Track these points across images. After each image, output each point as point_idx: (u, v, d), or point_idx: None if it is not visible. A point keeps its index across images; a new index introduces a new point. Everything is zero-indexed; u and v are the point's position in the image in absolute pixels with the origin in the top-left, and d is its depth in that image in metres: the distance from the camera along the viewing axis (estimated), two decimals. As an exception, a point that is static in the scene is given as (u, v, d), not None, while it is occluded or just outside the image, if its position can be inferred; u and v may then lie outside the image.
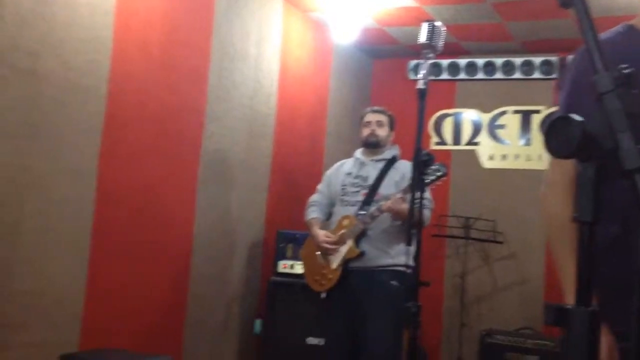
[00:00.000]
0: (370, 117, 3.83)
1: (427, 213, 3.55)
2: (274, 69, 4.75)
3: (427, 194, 3.53)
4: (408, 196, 3.25)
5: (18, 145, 2.97)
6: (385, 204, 3.43)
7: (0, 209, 2.90)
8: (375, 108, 3.91)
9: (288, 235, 4.48)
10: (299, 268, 4.32)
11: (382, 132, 3.80)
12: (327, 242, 3.63)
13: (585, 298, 0.87)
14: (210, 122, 4.14)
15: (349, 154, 3.96)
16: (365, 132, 3.81)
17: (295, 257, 4.39)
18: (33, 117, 3.03)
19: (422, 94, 2.50)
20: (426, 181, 3.10)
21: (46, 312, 3.13)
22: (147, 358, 3.19)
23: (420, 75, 2.51)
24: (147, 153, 3.68)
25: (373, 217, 3.52)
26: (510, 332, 4.92)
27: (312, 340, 4.26)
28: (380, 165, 3.75)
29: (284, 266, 4.43)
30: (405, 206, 3.27)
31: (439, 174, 3.26)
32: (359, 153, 3.88)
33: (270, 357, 4.28)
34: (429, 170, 3.12)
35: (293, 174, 4.98)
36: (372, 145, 3.79)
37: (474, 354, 5.16)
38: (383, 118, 3.82)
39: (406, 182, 3.58)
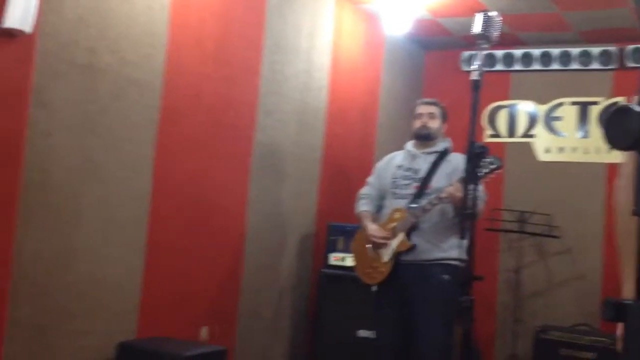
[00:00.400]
0: (422, 109, 3.78)
1: (480, 205, 3.50)
2: (326, 61, 4.75)
3: (481, 186, 3.48)
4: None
5: (78, 138, 3.06)
6: (447, 190, 3.36)
7: (61, 200, 3.00)
8: (427, 100, 3.86)
9: (339, 228, 4.48)
10: (350, 260, 4.32)
11: (434, 124, 3.74)
12: (378, 235, 3.62)
13: (645, 293, 0.85)
14: (262, 115, 4.18)
15: (400, 147, 3.93)
16: (417, 124, 3.77)
17: (346, 250, 4.40)
18: (91, 111, 3.12)
19: (476, 85, 2.46)
20: (480, 174, 3.05)
21: (104, 300, 3.22)
22: (201, 347, 3.25)
23: (474, 67, 2.48)
24: (201, 145, 3.74)
25: (425, 210, 3.48)
26: (565, 328, 4.81)
27: (363, 333, 4.26)
28: (432, 157, 3.70)
29: (335, 258, 4.44)
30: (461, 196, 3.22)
31: (492, 166, 3.19)
32: (410, 145, 3.83)
33: (322, 349, 4.30)
34: (482, 163, 3.06)
35: (344, 166, 4.98)
36: (424, 138, 3.75)
37: (528, 350, 5.07)
38: (435, 110, 3.77)
39: (458, 175, 3.53)
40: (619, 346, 1.55)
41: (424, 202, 3.51)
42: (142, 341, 3.30)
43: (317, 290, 4.46)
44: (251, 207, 4.12)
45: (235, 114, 3.97)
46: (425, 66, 6.09)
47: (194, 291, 3.74)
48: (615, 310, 0.84)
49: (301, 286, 4.60)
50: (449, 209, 3.51)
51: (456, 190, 3.32)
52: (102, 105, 3.17)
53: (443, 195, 3.38)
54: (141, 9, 3.33)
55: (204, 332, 3.05)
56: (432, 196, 3.48)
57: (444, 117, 3.81)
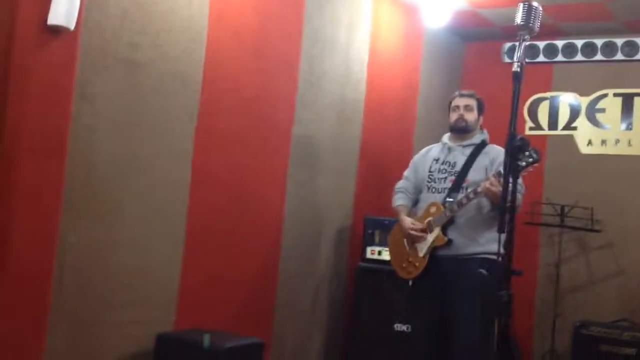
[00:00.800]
0: (459, 102, 3.74)
1: (519, 198, 3.45)
2: (364, 54, 4.74)
3: (519, 179, 3.43)
4: (501, 180, 3.17)
5: (120, 131, 3.12)
6: (483, 185, 3.32)
7: (103, 192, 3.07)
8: (464, 92, 3.81)
9: (376, 221, 4.47)
10: (386, 254, 4.31)
11: (471, 117, 3.70)
12: (414, 230, 3.59)
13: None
14: (300, 108, 4.19)
15: (438, 140, 3.89)
16: (454, 116, 3.73)
17: (382, 243, 4.39)
18: (134, 105, 3.18)
19: (517, 77, 2.42)
20: (518, 167, 3.00)
21: (144, 291, 3.28)
22: (239, 339, 3.28)
23: (515, 58, 2.44)
24: (240, 138, 3.78)
25: (461, 205, 3.44)
26: (605, 323, 4.73)
27: (399, 327, 4.26)
28: (469, 150, 3.66)
29: (371, 252, 4.44)
30: (500, 189, 3.18)
31: (530, 160, 3.12)
32: (446, 138, 3.80)
33: (358, 343, 4.30)
34: (521, 156, 3.02)
35: (381, 159, 4.96)
36: (461, 130, 3.70)
37: (567, 346, 4.99)
38: (472, 102, 3.72)
39: (495, 168, 3.49)
40: None
41: (460, 196, 3.48)
42: (181, 332, 3.34)
43: (354, 283, 4.46)
44: (289, 200, 4.14)
45: (273, 107, 3.99)
46: (465, 58, 6.02)
47: (232, 282, 3.78)
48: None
49: (338, 279, 4.61)
50: (486, 203, 3.48)
51: (492, 184, 3.28)
52: (144, 99, 3.22)
53: (479, 189, 3.34)
54: (182, 3, 3.36)
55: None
56: (469, 190, 3.44)
57: (481, 109, 3.76)
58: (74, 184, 2.92)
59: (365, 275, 4.38)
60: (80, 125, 2.94)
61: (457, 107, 3.73)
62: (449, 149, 3.73)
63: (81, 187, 2.96)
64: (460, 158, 3.66)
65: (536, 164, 3.06)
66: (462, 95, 3.77)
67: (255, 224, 3.92)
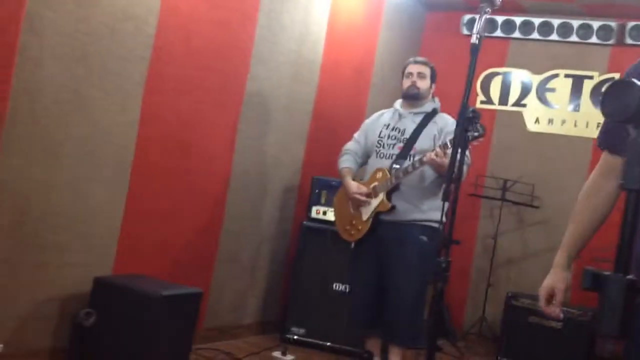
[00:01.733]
0: (412, 68, 3.76)
1: (465, 169, 3.51)
2: (324, 14, 4.69)
3: (466, 151, 3.48)
4: (448, 151, 3.22)
5: (68, 68, 3.02)
6: (428, 156, 3.37)
7: (47, 130, 2.98)
8: (418, 59, 3.83)
9: (323, 182, 4.50)
10: (331, 215, 4.35)
11: (423, 85, 3.73)
12: (359, 194, 3.64)
13: (625, 266, 0.86)
14: (255, 63, 4.13)
15: (392, 106, 3.92)
16: (406, 83, 3.75)
17: (328, 204, 4.42)
18: (84, 41, 3.07)
19: (474, 49, 2.43)
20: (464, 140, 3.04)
21: (83, 235, 3.23)
22: (178, 288, 3.28)
23: (474, 30, 2.45)
24: (192, 87, 3.71)
25: (406, 172, 3.50)
26: (535, 296, 4.87)
27: (338, 286, 4.33)
28: (419, 118, 3.70)
29: (317, 212, 4.47)
30: (446, 160, 3.22)
31: (476, 134, 3.14)
32: (398, 104, 3.82)
33: (296, 299, 4.36)
34: (469, 129, 3.06)
35: (333, 122, 4.96)
36: (412, 98, 3.74)
37: (498, 315, 5.18)
38: (425, 70, 3.75)
39: (444, 137, 3.54)
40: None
41: (406, 163, 3.53)
42: (120, 277, 3.32)
43: (297, 241, 4.50)
44: (237, 154, 4.12)
45: (228, 61, 3.92)
46: (425, 27, 6.03)
47: (174, 232, 3.76)
48: (593, 280, 0.86)
49: (281, 236, 4.64)
50: (430, 172, 3.54)
51: (437, 155, 3.34)
52: (95, 37, 3.12)
53: (425, 159, 3.39)
54: (141, -58, 3.24)
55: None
56: (415, 159, 3.49)
57: (434, 78, 3.79)
58: (16, 120, 2.83)
59: (309, 234, 4.41)
60: (27, 59, 2.83)
61: (411, 74, 3.75)
62: (400, 116, 3.76)
63: (23, 125, 2.87)
64: (410, 125, 3.69)
65: (481, 139, 3.11)
66: (415, 62, 3.78)
67: (201, 175, 3.89)
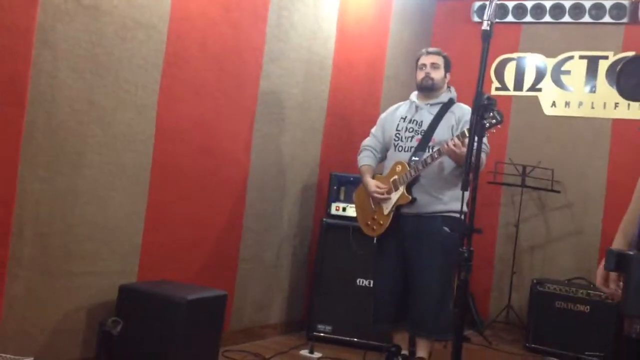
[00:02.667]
0: (425, 60, 3.73)
1: (483, 157, 3.49)
2: (333, 10, 4.68)
3: (484, 139, 3.45)
4: (465, 140, 3.20)
5: (82, 79, 3.04)
6: (446, 146, 3.35)
7: (65, 141, 3.00)
8: (430, 49, 3.79)
9: (341, 178, 4.49)
10: (351, 210, 4.35)
11: (438, 75, 3.69)
12: (378, 193, 3.63)
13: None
14: (267, 62, 4.14)
15: (406, 98, 3.90)
16: (420, 75, 3.72)
17: (347, 200, 4.42)
18: (96, 52, 3.09)
19: (486, 36, 2.42)
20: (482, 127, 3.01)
21: (106, 243, 3.26)
22: (202, 291, 3.29)
23: (485, 17, 2.43)
24: (206, 90, 3.72)
25: (426, 164, 3.47)
26: (561, 281, 4.87)
27: (362, 282, 4.32)
28: (436, 109, 3.67)
29: (336, 208, 4.46)
30: (464, 150, 3.18)
31: (494, 121, 3.10)
32: (414, 96, 3.80)
33: (320, 297, 4.36)
34: (485, 116, 3.03)
35: (349, 117, 4.95)
36: (427, 89, 3.71)
37: (524, 302, 5.15)
38: (438, 60, 3.72)
39: (461, 127, 3.51)
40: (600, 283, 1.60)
41: (425, 155, 3.51)
42: (144, 284, 3.34)
43: (318, 238, 4.50)
44: (254, 155, 4.13)
45: (240, 61, 3.93)
46: (436, 16, 5.99)
47: (195, 236, 3.78)
48: (617, 260, 0.85)
49: (302, 234, 4.64)
50: (449, 162, 3.52)
51: (455, 145, 3.31)
52: (108, 47, 3.14)
53: (443, 149, 3.37)
54: (147, -51, 3.26)
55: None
56: (434, 150, 3.47)
57: (448, 67, 3.76)
58: (34, 133, 2.86)
59: (330, 231, 4.41)
60: (42, 73, 2.86)
61: (424, 65, 3.72)
62: (417, 107, 3.74)
63: (41, 137, 2.90)
64: (427, 117, 3.67)
65: (499, 126, 3.08)
66: (428, 53, 3.75)
67: (220, 176, 3.90)
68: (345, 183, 4.47)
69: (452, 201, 3.53)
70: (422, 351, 3.59)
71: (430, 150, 3.54)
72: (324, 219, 4.44)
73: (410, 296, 3.59)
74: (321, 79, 4.65)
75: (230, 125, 3.94)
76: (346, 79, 4.88)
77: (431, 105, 3.70)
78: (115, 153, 3.25)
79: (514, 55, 5.67)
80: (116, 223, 3.30)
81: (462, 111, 3.62)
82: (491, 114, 3.01)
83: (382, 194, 3.61)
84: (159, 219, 3.52)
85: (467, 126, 3.28)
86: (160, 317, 3.08)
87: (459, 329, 2.41)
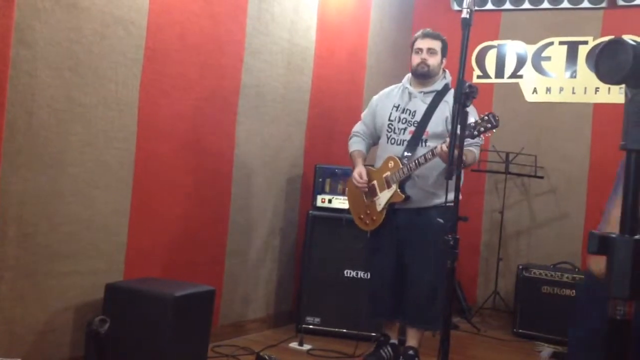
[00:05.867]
0: (422, 44, 3.58)
1: (476, 152, 3.47)
2: (314, 1, 4.66)
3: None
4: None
5: (62, 77, 3.01)
6: (439, 148, 3.24)
7: (47, 140, 2.97)
8: (428, 32, 3.62)
9: (326, 170, 4.49)
10: (337, 202, 4.36)
11: (434, 61, 3.56)
12: (358, 182, 3.59)
13: (630, 227, 0.86)
14: (249, 55, 4.12)
15: (389, 87, 3.89)
16: (416, 60, 3.58)
17: (333, 192, 4.42)
18: (75, 49, 3.06)
19: (466, 23, 2.42)
20: (475, 132, 3.00)
21: (92, 241, 3.24)
22: (189, 287, 3.28)
23: (464, 5, 2.44)
24: (187, 84, 3.70)
25: (418, 165, 3.39)
26: (547, 266, 4.92)
27: (349, 273, 4.33)
28: (429, 98, 3.56)
29: (322, 200, 4.46)
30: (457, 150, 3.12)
31: (489, 125, 3.00)
32: (407, 81, 3.68)
33: (309, 289, 4.36)
34: (480, 121, 3.01)
35: (332, 108, 4.95)
36: (422, 76, 3.59)
37: (511, 288, 5.19)
38: (436, 45, 3.57)
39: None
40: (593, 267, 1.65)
41: (418, 154, 3.43)
42: (131, 282, 3.32)
43: (304, 231, 4.50)
44: (238, 148, 4.11)
45: (221, 54, 3.91)
46: (415, 4, 6.00)
47: (181, 232, 3.77)
48: (600, 243, 0.86)
49: (288, 227, 4.64)
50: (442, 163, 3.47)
51: (449, 147, 3.26)
52: (87, 44, 3.11)
53: (436, 151, 3.28)
54: (123, -56, 3.23)
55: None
56: (427, 152, 3.37)
57: (445, 52, 3.61)
58: (15, 133, 2.82)
59: (316, 223, 4.41)
60: (20, 72, 2.82)
61: (420, 49, 3.58)
62: (410, 95, 3.63)
63: (22, 137, 2.87)
64: (420, 106, 3.57)
65: (494, 130, 3.05)
66: (425, 37, 3.59)
67: (204, 172, 3.89)
68: (330, 175, 4.47)
69: (445, 193, 3.50)
70: (412, 340, 3.61)
71: (423, 143, 3.48)
72: (310, 212, 4.44)
73: (405, 287, 3.58)
74: (303, 70, 4.64)
75: (213, 119, 3.92)
76: (328, 70, 4.87)
77: (425, 93, 3.59)
78: (98, 151, 3.23)
79: (495, 42, 5.70)
80: (101, 221, 3.27)
81: None
82: (486, 117, 3.00)
83: (363, 185, 3.57)
84: (144, 216, 3.50)
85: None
86: (148, 314, 3.06)
87: (447, 316, 2.43)
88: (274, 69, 4.35)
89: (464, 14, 2.43)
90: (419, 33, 3.65)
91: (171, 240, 3.69)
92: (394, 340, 3.73)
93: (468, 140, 3.35)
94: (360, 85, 5.27)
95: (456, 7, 5.67)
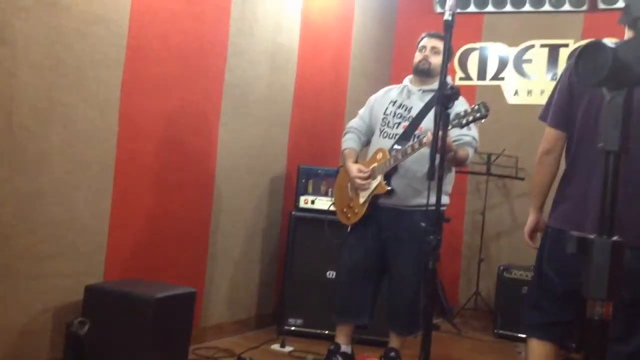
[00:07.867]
0: (426, 42, 3.55)
1: (471, 152, 3.41)
2: (297, 1, 4.66)
3: (474, 132, 3.39)
4: (452, 132, 3.04)
5: (42, 77, 2.98)
6: (428, 136, 3.11)
7: (27, 141, 2.94)
8: (434, 33, 3.58)
9: (309, 171, 4.48)
10: (320, 203, 4.35)
11: (436, 60, 3.51)
12: (360, 178, 3.48)
13: (608, 228, 0.87)
14: (232, 55, 4.11)
15: (373, 90, 3.88)
16: (418, 57, 3.55)
17: (316, 192, 4.42)
18: (56, 48, 3.03)
19: (448, 26, 2.43)
20: (463, 121, 2.98)
21: (71, 243, 3.21)
22: (171, 289, 3.25)
23: (447, 7, 2.45)
24: (170, 85, 3.68)
25: (405, 154, 3.30)
26: (528, 267, 4.94)
27: (331, 274, 4.33)
28: (427, 96, 3.50)
29: (305, 201, 4.46)
30: (449, 140, 3.02)
31: (478, 114, 2.96)
32: (407, 80, 3.64)
33: (291, 290, 4.36)
34: (469, 110, 2.99)
35: (315, 109, 4.95)
36: (423, 73, 3.54)
37: (492, 288, 5.22)
38: (440, 45, 3.50)
39: (452, 118, 3.36)
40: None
41: (407, 145, 3.32)
42: (111, 283, 3.29)
43: (287, 232, 4.49)
44: (221, 149, 4.10)
45: (204, 54, 3.90)
46: (398, 7, 6.02)
47: (163, 233, 3.74)
48: (579, 244, 0.86)
49: (271, 228, 4.63)
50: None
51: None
52: (67, 43, 3.08)
53: (424, 140, 3.17)
54: (105, -57, 3.20)
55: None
56: (415, 140, 3.31)
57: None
58: (-6, 132, 2.79)
59: (299, 225, 4.41)
60: (0, 71, 2.79)
61: (424, 47, 3.55)
62: (408, 92, 3.58)
63: (1, 137, 2.83)
64: (417, 104, 3.51)
65: (482, 120, 3.04)
66: (430, 36, 3.57)
67: (187, 172, 3.87)
68: (314, 176, 4.47)
69: (433, 194, 3.45)
70: (394, 342, 3.59)
71: (415, 139, 3.36)
72: (293, 213, 4.44)
73: (388, 291, 3.53)
74: (287, 71, 4.64)
75: (196, 119, 3.90)
76: (312, 70, 4.87)
77: (424, 92, 3.53)
78: (79, 151, 3.20)
79: (477, 45, 5.73)
80: (81, 222, 3.24)
81: (455, 102, 3.53)
82: (476, 107, 2.98)
83: (364, 178, 3.46)
84: (125, 217, 3.47)
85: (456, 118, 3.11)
86: (128, 316, 3.04)
87: (428, 317, 2.43)
88: (257, 69, 4.34)
89: (447, 16, 2.44)
90: (424, 33, 3.64)
91: (152, 242, 3.67)
92: (345, 349, 3.58)
93: (462, 138, 3.35)
94: (344, 85, 5.28)
95: (439, 9, 5.69)
